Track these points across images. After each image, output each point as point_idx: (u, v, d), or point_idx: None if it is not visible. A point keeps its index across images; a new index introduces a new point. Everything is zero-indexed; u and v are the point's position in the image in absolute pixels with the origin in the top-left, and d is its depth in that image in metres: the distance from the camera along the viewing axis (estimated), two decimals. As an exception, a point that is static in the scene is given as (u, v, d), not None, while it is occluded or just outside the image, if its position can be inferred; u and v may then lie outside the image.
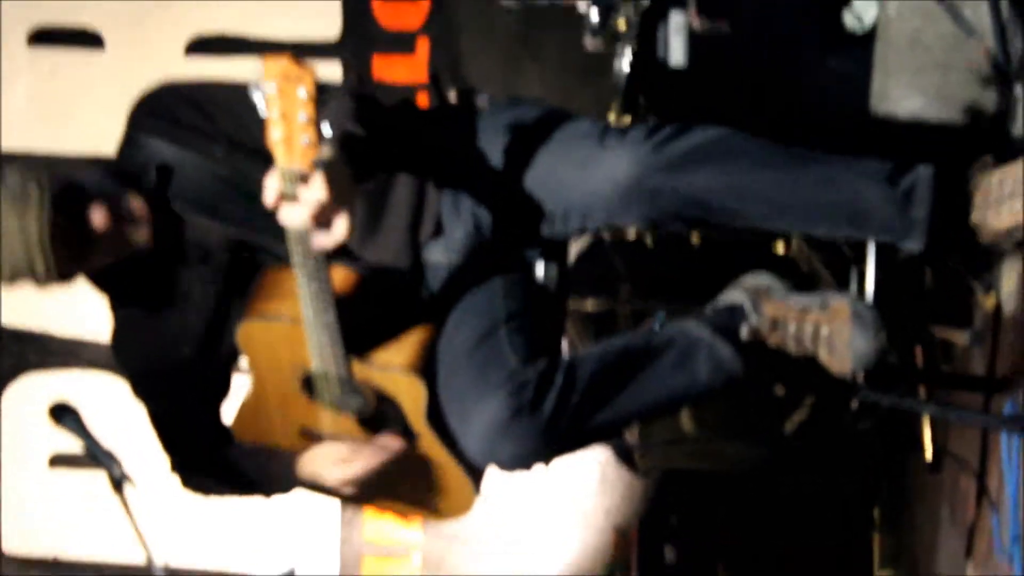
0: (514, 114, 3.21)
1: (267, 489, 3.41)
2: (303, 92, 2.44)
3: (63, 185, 2.93)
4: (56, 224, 2.86)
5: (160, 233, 3.07)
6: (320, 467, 3.24)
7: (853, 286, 3.51)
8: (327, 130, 2.52)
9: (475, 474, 3.20)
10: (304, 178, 2.54)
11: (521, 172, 3.10)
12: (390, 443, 3.18)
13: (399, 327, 3.11)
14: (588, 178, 3.02)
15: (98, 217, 2.94)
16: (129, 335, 3.30)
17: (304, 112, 2.46)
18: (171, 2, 5.05)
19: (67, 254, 2.91)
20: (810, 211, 3.04)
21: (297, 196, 2.57)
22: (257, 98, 2.47)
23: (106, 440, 3.00)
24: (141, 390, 3.34)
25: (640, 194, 2.99)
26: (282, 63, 2.43)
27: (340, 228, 2.66)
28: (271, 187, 2.58)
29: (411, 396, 3.07)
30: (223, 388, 3.40)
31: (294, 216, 2.61)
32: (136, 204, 3.00)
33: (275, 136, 2.49)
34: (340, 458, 3.21)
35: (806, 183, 3.02)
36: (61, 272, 2.91)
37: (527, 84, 4.83)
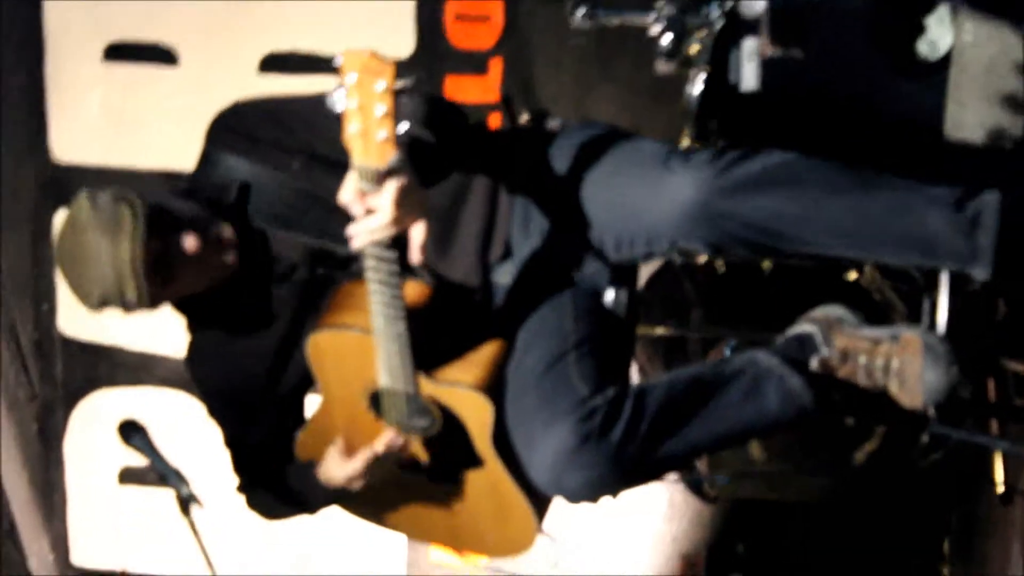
0: (584, 137, 3.19)
1: (309, 503, 3.42)
2: (382, 85, 2.43)
3: (155, 210, 2.93)
4: (149, 250, 2.87)
5: (246, 253, 3.09)
6: (329, 464, 3.24)
7: (925, 317, 3.48)
8: (403, 127, 2.51)
9: (539, 506, 3.18)
10: (379, 179, 2.54)
11: (588, 194, 3.09)
12: (384, 439, 3.16)
13: (468, 345, 3.12)
14: (653, 201, 2.99)
15: (191, 243, 2.95)
16: (206, 353, 3.31)
17: (382, 105, 2.45)
18: (246, 19, 5.05)
19: (159, 280, 2.93)
20: (877, 239, 2.99)
21: (371, 199, 2.58)
22: (337, 95, 2.47)
23: (175, 459, 3.02)
24: (216, 410, 3.36)
25: (704, 218, 2.95)
26: (363, 55, 2.43)
27: (418, 234, 2.68)
28: (349, 184, 2.58)
29: (477, 415, 3.06)
30: (296, 412, 3.41)
31: (365, 227, 2.62)
32: (226, 231, 3.02)
33: (352, 129, 2.49)
34: (342, 450, 3.21)
35: (873, 210, 2.97)
36: (152, 298, 2.93)
37: (598, 106, 4.81)
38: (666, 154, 3.05)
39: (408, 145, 2.70)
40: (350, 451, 3.20)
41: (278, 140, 3.07)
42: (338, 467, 3.21)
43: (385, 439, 3.15)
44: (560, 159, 3.15)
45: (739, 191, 2.94)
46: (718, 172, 2.95)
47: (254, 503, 3.48)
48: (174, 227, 2.95)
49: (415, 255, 2.71)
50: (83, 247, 2.87)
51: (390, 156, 2.51)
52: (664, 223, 2.99)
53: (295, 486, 3.38)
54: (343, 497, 3.34)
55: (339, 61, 2.45)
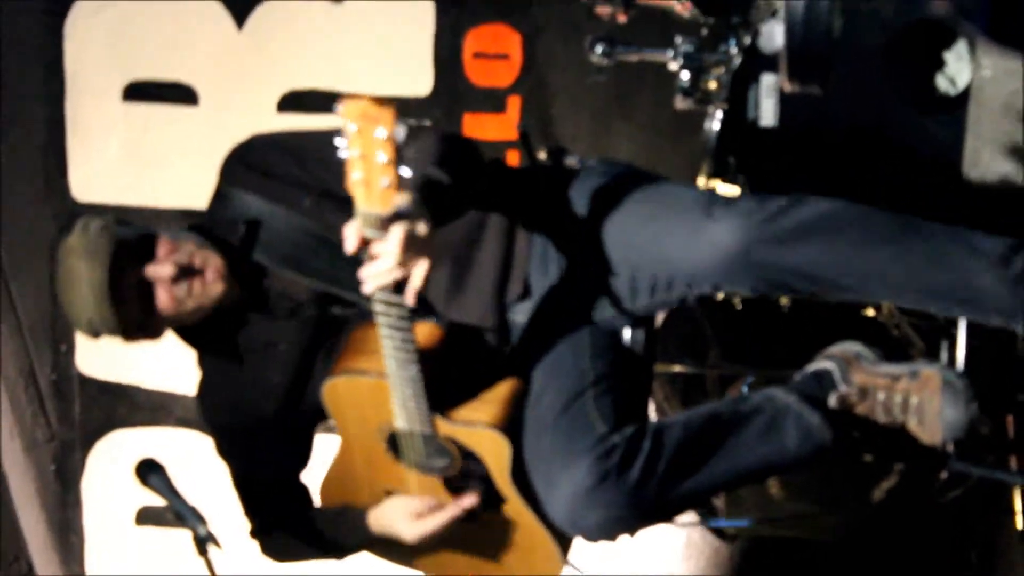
0: (608, 177, 3.18)
1: (339, 547, 3.40)
2: (382, 133, 2.41)
3: (131, 238, 2.96)
4: (121, 277, 2.90)
5: (245, 287, 3.08)
6: (393, 521, 3.23)
7: (944, 354, 3.46)
8: (406, 172, 2.49)
9: (562, 539, 3.17)
10: (384, 225, 2.52)
11: (619, 236, 3.07)
12: (465, 500, 3.16)
13: (484, 384, 3.11)
14: (695, 248, 2.96)
15: (163, 271, 2.96)
16: (214, 389, 3.31)
17: (383, 153, 2.43)
18: (264, 58, 5.06)
19: (140, 308, 2.95)
20: (922, 291, 2.97)
21: (376, 245, 2.55)
22: (340, 140, 2.45)
23: (193, 499, 3.01)
24: (224, 447, 3.35)
25: (748, 266, 2.93)
26: (362, 103, 2.41)
27: (417, 276, 2.64)
28: (351, 233, 2.55)
29: (495, 454, 3.05)
30: (304, 451, 3.40)
31: (371, 272, 2.60)
32: (212, 262, 3.02)
33: (355, 177, 2.47)
34: (414, 512, 3.20)
35: (918, 262, 2.94)
36: (126, 325, 2.94)
37: (617, 143, 4.81)
38: (707, 201, 3.03)
39: (421, 186, 2.68)
40: (419, 515, 3.19)
41: (291, 175, 3.07)
42: (406, 524, 3.20)
43: (464, 502, 3.16)
44: (584, 198, 3.14)
45: (784, 240, 2.93)
46: (763, 221, 2.94)
47: (269, 548, 3.47)
48: (149, 255, 2.97)
49: (409, 298, 2.69)
50: (69, 272, 2.91)
51: (393, 202, 2.50)
52: (707, 269, 2.97)
53: (326, 531, 3.37)
54: (378, 542, 3.34)
55: (338, 111, 2.44)
